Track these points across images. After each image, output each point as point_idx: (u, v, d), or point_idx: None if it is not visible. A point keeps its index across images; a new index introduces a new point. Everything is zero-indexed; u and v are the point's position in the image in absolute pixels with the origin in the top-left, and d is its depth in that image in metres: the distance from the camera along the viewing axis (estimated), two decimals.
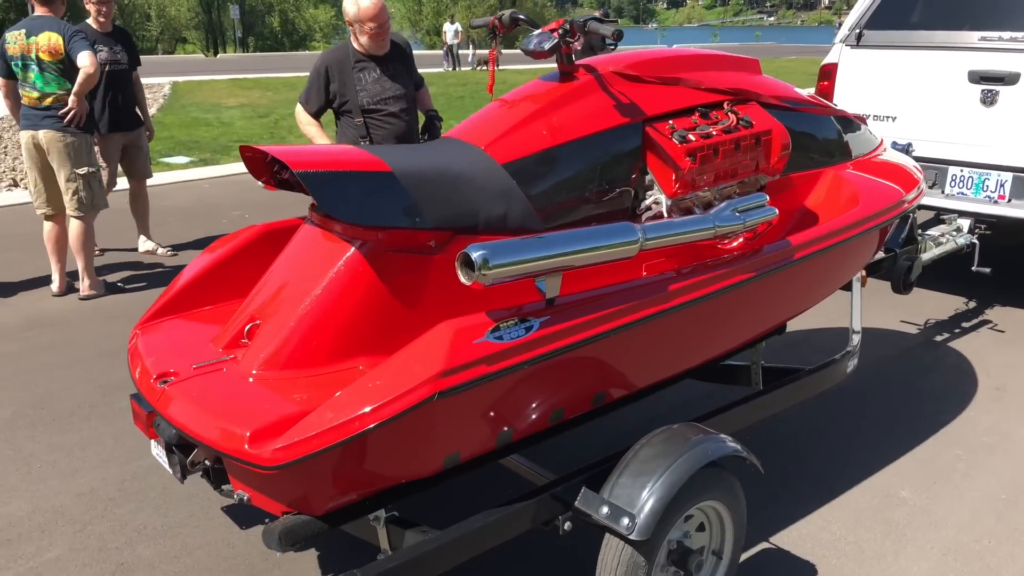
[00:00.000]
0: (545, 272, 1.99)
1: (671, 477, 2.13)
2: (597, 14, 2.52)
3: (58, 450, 3.39)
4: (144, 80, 6.30)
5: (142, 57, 6.15)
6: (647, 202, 2.62)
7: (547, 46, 2.48)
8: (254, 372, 2.09)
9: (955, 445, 3.52)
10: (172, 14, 41.29)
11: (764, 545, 2.84)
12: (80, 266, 5.18)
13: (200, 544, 2.78)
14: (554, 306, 2.07)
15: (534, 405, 2.14)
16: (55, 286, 5.28)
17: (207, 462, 2.11)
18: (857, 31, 5.23)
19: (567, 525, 2.21)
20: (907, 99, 5.05)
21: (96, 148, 5.37)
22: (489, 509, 2.13)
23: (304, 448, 1.79)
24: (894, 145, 4.14)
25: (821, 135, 3.17)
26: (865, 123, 3.60)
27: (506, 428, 2.11)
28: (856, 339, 3.29)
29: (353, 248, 2.14)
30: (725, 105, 2.74)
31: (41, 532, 2.85)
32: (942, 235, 4.52)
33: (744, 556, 2.77)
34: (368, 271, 2.13)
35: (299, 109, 4.20)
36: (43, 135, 4.89)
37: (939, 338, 4.68)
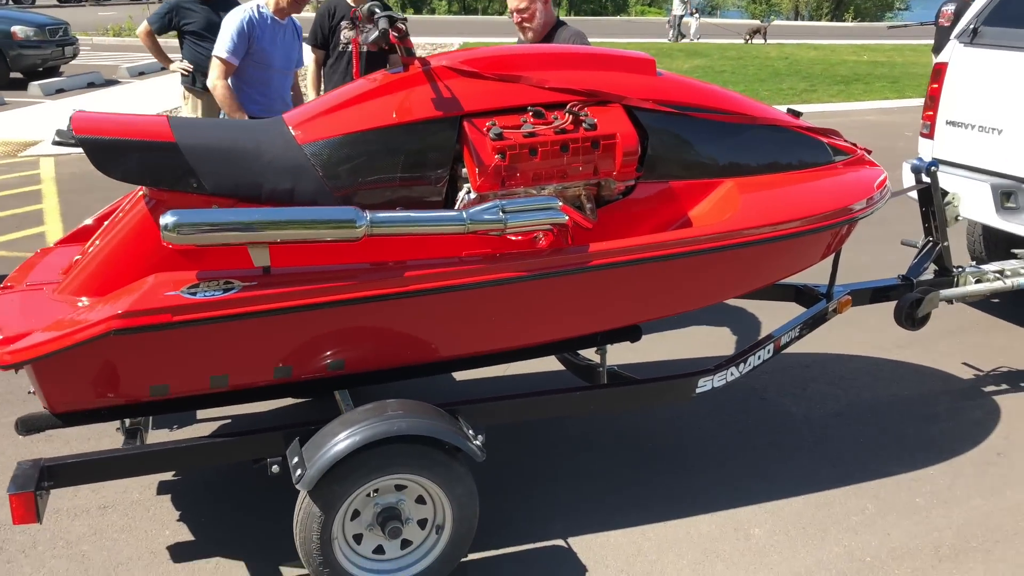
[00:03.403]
0: (243, 242, 2.29)
1: (345, 442, 2.35)
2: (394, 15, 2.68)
3: None
4: (443, 39, 5.80)
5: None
6: (461, 194, 2.75)
7: (371, 38, 2.71)
8: (55, 294, 2.62)
9: (873, 498, 3.18)
10: None
11: (541, 543, 2.87)
12: None
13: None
14: (269, 275, 2.36)
15: (249, 358, 2.45)
16: None
17: None
18: (973, 26, 4.54)
19: (275, 468, 2.51)
20: (1019, 109, 4.33)
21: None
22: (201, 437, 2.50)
23: (17, 357, 2.28)
24: (918, 162, 3.67)
25: (724, 145, 3.00)
26: (836, 135, 3.30)
27: (219, 374, 2.44)
28: (750, 360, 3.12)
29: (144, 205, 2.57)
30: (568, 106, 2.76)
31: None
32: (1001, 271, 3.92)
33: (516, 547, 2.86)
34: (150, 224, 2.55)
35: None
36: None
37: (988, 389, 4.07)
